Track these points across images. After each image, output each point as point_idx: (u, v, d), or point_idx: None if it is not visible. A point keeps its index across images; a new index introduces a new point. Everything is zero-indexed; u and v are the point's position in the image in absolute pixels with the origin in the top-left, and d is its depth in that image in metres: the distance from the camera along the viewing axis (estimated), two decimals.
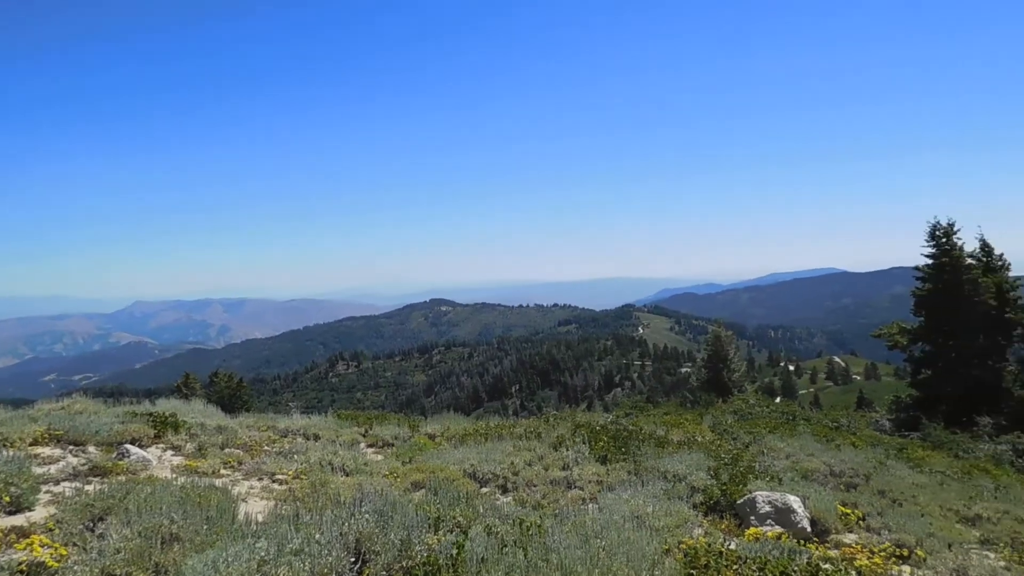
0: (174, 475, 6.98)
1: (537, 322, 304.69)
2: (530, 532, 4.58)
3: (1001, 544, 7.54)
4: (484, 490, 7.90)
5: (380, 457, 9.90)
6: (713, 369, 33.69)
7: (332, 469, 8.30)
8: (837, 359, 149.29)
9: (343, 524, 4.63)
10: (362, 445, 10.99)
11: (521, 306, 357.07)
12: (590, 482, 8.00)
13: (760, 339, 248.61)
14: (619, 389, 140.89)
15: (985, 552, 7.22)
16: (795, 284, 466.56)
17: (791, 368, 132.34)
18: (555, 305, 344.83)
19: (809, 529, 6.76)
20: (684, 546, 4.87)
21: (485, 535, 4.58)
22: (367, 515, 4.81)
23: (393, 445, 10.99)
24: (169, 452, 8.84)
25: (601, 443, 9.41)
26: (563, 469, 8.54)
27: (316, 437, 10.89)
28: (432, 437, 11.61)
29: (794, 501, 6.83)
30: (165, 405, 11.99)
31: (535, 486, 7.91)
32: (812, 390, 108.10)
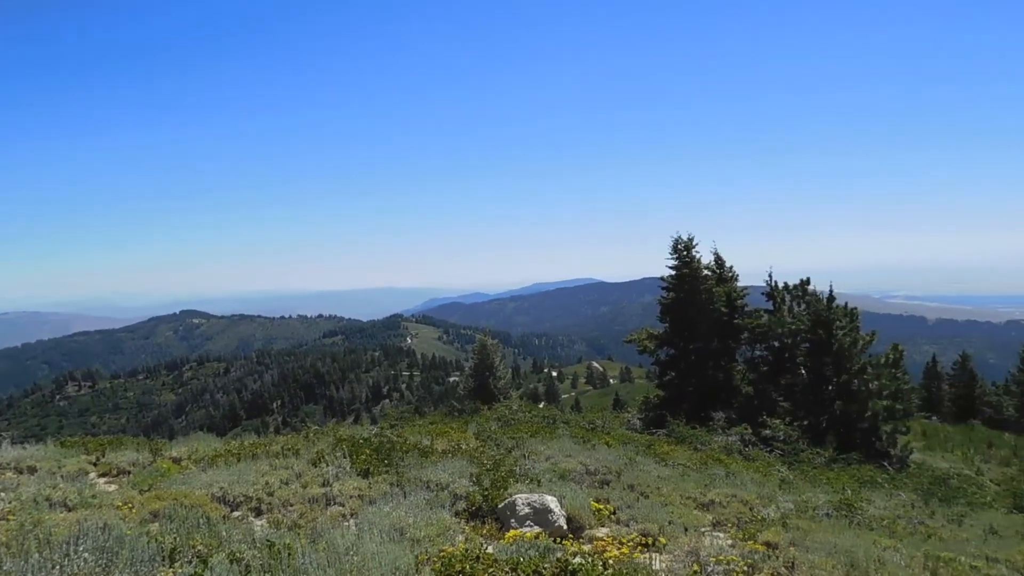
0: None
1: (301, 334, 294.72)
2: (280, 555, 4.33)
3: (729, 524, 8.49)
4: (235, 514, 7.41)
5: (114, 487, 8.90)
6: (480, 377, 34.64)
7: (51, 505, 7.30)
8: (596, 364, 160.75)
9: (53, 569, 4.06)
10: (92, 475, 9.80)
11: (283, 317, 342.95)
12: (351, 497, 7.81)
13: (525, 347, 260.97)
14: (387, 400, 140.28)
15: (717, 533, 8.07)
16: (557, 293, 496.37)
17: (554, 374, 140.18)
18: (320, 316, 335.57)
19: (566, 527, 7.13)
20: (444, 554, 4.90)
21: (228, 563, 4.26)
22: (86, 555, 4.26)
23: (130, 472, 9.93)
24: None
25: (364, 456, 9.24)
26: (323, 486, 8.25)
27: (32, 470, 9.53)
28: (177, 461, 10.66)
29: (551, 501, 7.17)
30: None
31: (292, 506, 7.56)
32: (574, 394, 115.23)
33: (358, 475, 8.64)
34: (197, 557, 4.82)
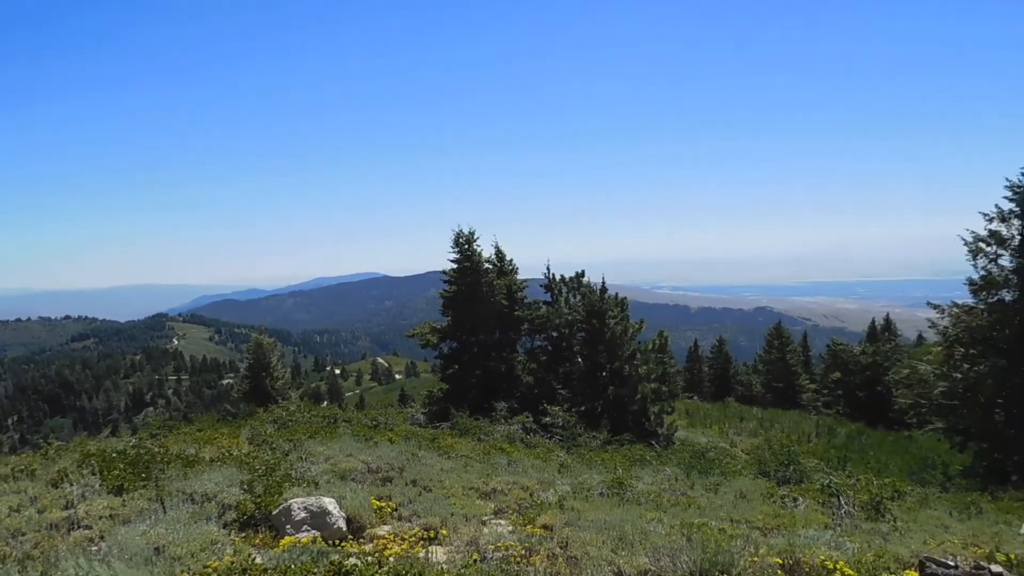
0: None
1: (43, 338, 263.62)
2: None
3: (510, 511, 8.80)
4: None
5: None
6: (255, 378, 33.14)
7: None
8: (381, 360, 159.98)
9: None
10: None
11: (20, 320, 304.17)
12: (101, 518, 7.09)
13: (306, 344, 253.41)
14: (151, 408, 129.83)
15: (498, 520, 8.33)
16: (340, 288, 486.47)
17: (337, 372, 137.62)
18: (67, 317, 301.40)
19: (345, 528, 7.00)
20: (207, 570, 4.60)
21: None
22: None
23: None
24: None
25: (116, 471, 8.44)
26: (66, 508, 7.42)
27: None
28: None
29: (330, 503, 7.01)
30: None
31: (24, 535, 6.72)
32: (358, 391, 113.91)
33: (110, 493, 7.87)
34: None
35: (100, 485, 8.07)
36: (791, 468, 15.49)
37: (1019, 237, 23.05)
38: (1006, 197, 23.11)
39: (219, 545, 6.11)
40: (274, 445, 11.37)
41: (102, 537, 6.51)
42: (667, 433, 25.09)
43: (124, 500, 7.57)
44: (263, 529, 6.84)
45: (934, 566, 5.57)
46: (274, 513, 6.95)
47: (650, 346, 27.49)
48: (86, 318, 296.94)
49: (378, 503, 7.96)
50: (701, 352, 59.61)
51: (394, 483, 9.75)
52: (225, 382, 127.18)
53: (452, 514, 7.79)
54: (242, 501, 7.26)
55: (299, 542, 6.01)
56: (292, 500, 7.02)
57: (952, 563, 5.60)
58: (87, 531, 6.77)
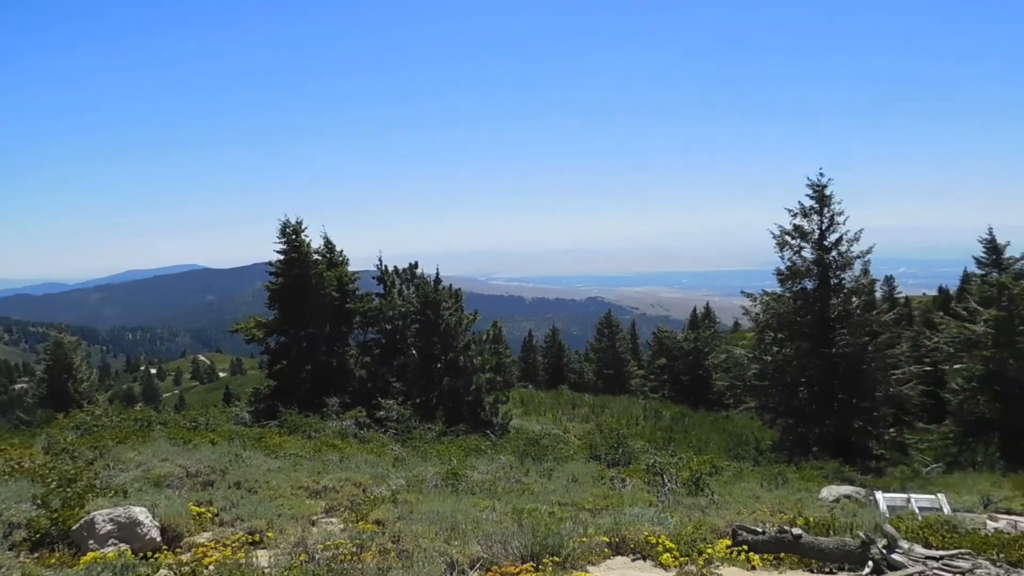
0: None
1: None
2: None
3: (342, 508, 8.64)
4: None
5: None
6: (55, 381, 30.44)
7: None
8: (203, 357, 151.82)
9: None
10: None
11: None
12: None
13: (116, 342, 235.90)
14: None
15: (330, 519, 8.15)
16: (156, 282, 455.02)
17: (153, 371, 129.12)
18: None
19: (159, 538, 6.59)
20: None
21: None
22: None
23: None
24: None
25: None
26: None
27: None
28: None
29: (140, 512, 6.55)
30: None
31: None
32: (177, 392, 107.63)
33: None
34: None
35: None
36: (620, 451, 16.33)
37: (819, 231, 25.57)
38: (807, 195, 25.57)
39: (4, 569, 5.53)
40: (76, 454, 10.46)
41: None
42: (502, 422, 25.58)
43: None
44: (61, 547, 6.28)
45: (745, 533, 6.05)
46: (74, 528, 6.40)
47: (485, 337, 27.93)
48: None
49: (197, 509, 7.55)
50: (535, 342, 61.32)
51: (216, 487, 9.29)
52: (18, 387, 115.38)
53: (279, 515, 7.54)
54: (35, 518, 6.61)
55: (103, 557, 5.57)
56: (96, 513, 6.49)
57: (760, 529, 6.11)
58: None
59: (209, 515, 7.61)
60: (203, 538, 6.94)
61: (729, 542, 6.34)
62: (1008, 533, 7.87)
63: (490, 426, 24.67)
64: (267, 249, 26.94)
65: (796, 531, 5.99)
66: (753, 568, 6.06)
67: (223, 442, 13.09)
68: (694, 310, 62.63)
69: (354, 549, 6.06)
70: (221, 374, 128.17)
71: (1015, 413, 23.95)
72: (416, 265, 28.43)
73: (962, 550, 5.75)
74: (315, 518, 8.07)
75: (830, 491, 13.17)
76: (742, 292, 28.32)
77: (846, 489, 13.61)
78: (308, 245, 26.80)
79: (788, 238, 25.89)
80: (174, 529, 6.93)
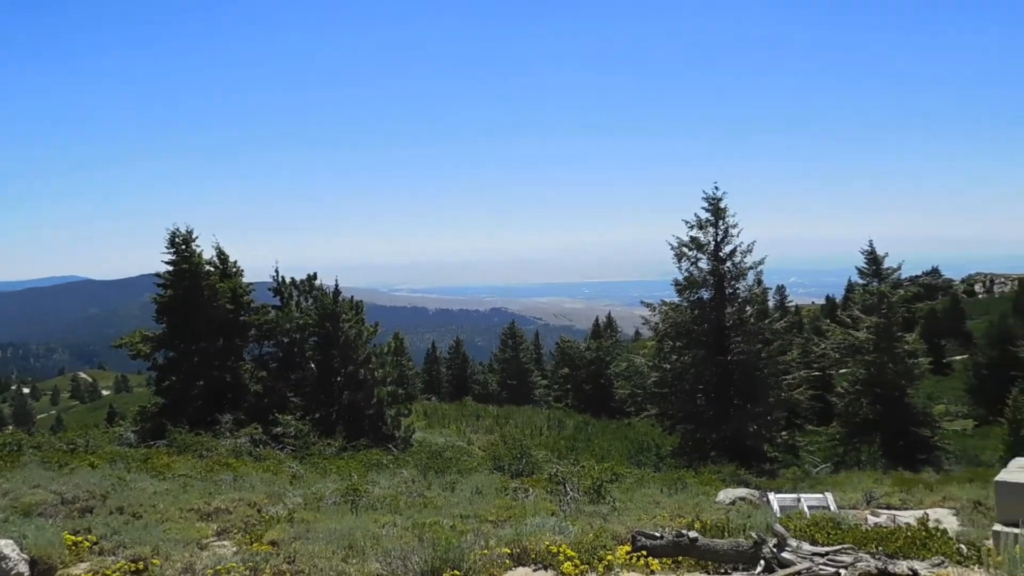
0: None
1: None
2: None
3: (235, 530, 8.32)
4: None
5: None
6: None
7: None
8: (84, 375, 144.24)
9: None
10: None
11: None
12: None
13: None
14: None
15: (222, 542, 7.84)
16: (28, 294, 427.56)
17: (26, 391, 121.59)
18: None
19: (28, 572, 6.18)
20: None
21: None
22: None
23: None
24: None
25: None
26: None
27: None
28: None
29: (6, 545, 6.12)
30: None
31: None
32: (54, 412, 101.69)
33: None
34: None
35: None
36: (524, 461, 16.43)
37: (714, 243, 26.58)
38: (703, 208, 26.57)
39: None
40: None
41: None
42: (405, 436, 25.32)
43: None
44: None
45: (644, 539, 6.18)
46: None
47: (386, 349, 27.60)
48: None
49: (73, 538, 7.11)
50: (439, 353, 61.15)
51: (96, 513, 8.81)
52: None
53: (166, 540, 7.19)
54: None
55: None
56: None
57: (659, 534, 6.26)
58: None
59: (87, 544, 7.19)
60: (80, 569, 6.58)
61: (629, 548, 6.46)
62: (887, 527, 8.35)
63: (392, 440, 24.38)
64: (155, 260, 25.79)
65: (692, 534, 6.16)
66: (652, 572, 6.20)
67: (104, 465, 12.45)
68: (596, 320, 63.91)
69: (247, 572, 5.85)
70: (104, 392, 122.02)
71: (894, 414, 25.57)
72: (315, 276, 27.82)
73: (845, 545, 6.08)
74: (205, 542, 7.75)
75: (727, 494, 13.63)
76: (642, 302, 29.12)
77: (742, 491, 14.12)
78: (199, 255, 25.80)
79: (685, 249, 26.81)
80: (46, 561, 6.51)
